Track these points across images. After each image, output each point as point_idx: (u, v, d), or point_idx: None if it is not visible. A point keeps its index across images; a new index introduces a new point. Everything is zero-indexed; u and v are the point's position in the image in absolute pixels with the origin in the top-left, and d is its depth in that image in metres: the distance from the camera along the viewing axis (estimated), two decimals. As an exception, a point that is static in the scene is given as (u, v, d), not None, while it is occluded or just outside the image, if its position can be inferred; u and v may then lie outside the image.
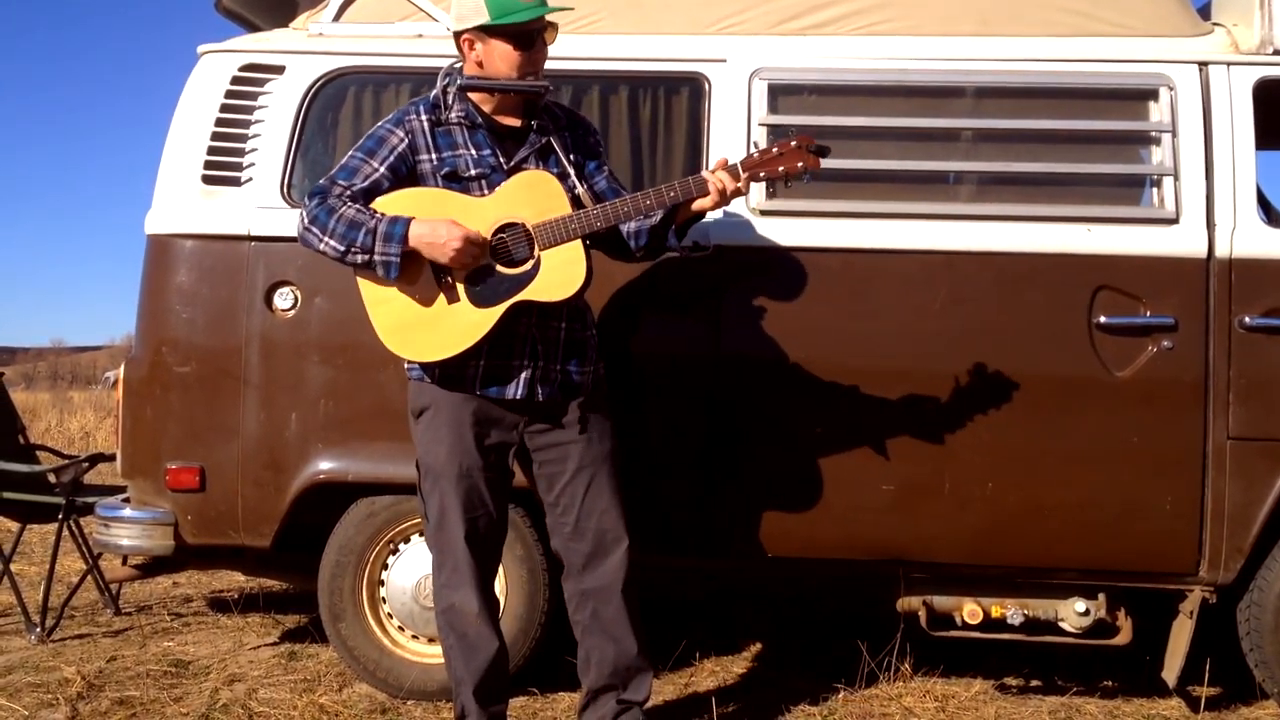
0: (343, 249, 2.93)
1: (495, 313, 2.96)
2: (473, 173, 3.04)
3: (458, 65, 3.15)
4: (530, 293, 2.96)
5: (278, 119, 3.72)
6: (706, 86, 3.68)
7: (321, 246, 2.96)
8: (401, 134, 3.06)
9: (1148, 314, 3.49)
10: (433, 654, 3.73)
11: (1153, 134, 3.60)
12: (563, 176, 3.06)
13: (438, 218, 2.92)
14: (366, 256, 2.92)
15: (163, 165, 3.76)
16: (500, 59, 3.04)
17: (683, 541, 3.64)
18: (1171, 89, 3.56)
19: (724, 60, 3.68)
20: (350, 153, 3.08)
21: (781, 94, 3.69)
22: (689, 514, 3.62)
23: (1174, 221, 3.52)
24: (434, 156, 3.06)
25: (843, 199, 3.58)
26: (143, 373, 3.74)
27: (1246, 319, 3.46)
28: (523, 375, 3.04)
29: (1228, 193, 3.51)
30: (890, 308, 3.57)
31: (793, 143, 2.99)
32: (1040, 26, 3.68)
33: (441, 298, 2.97)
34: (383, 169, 3.03)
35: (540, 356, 3.05)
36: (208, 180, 3.71)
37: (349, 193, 2.98)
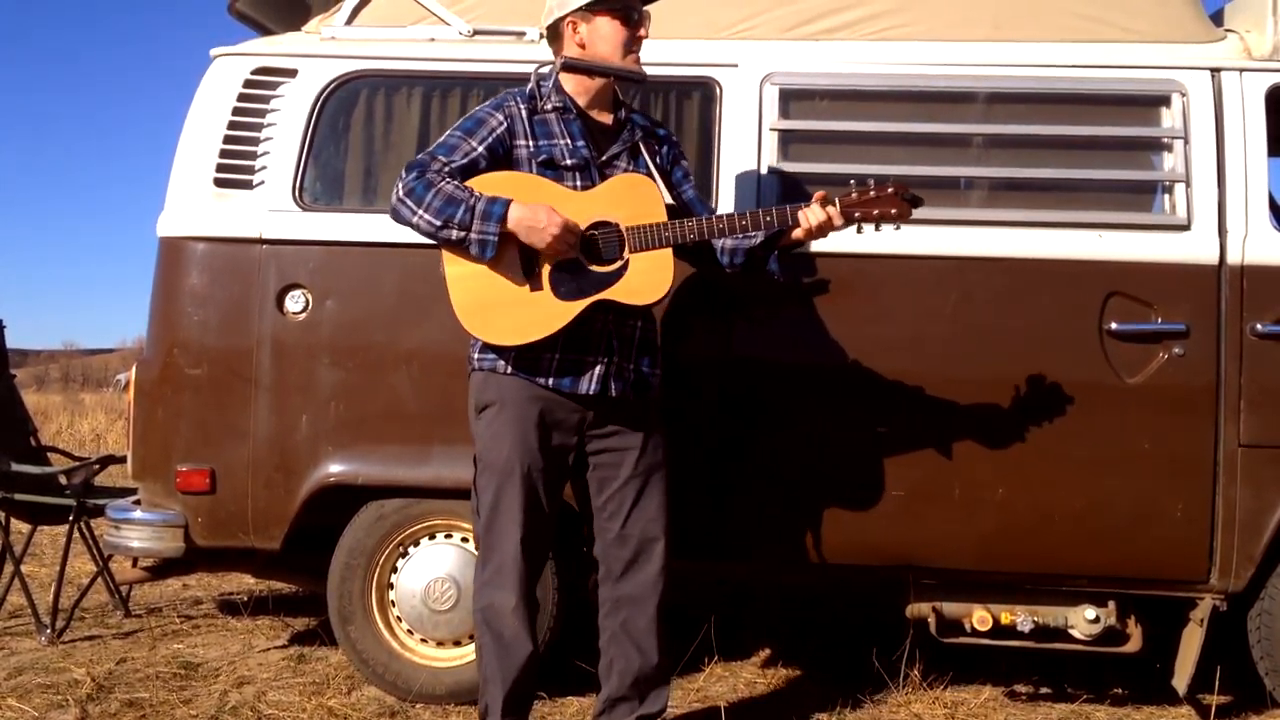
0: (438, 223, 2.90)
1: (576, 307, 2.96)
2: (569, 162, 3.06)
3: (545, 68, 3.18)
4: (614, 293, 2.98)
5: (290, 122, 3.73)
6: (718, 91, 3.68)
7: (415, 220, 2.92)
8: (501, 117, 3.07)
9: (1159, 320, 3.49)
10: (441, 657, 3.74)
11: (1165, 140, 3.60)
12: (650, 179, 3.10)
13: (537, 202, 2.92)
14: (463, 234, 2.89)
15: (175, 167, 3.77)
16: (603, 38, 3.07)
17: (692, 545, 3.63)
18: (1184, 95, 3.56)
19: (735, 65, 3.68)
20: (449, 131, 3.08)
21: (793, 99, 3.69)
22: (698, 517, 3.62)
23: (1186, 228, 3.51)
24: (531, 143, 3.06)
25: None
26: (154, 375, 3.74)
27: (1258, 326, 3.45)
28: (596, 370, 3.04)
29: (1240, 199, 3.50)
30: (901, 313, 3.57)
31: (889, 188, 3.01)
32: (1052, 32, 3.67)
33: (525, 284, 2.96)
34: (481, 148, 3.02)
35: (615, 353, 3.06)
36: (220, 183, 3.72)
37: (447, 169, 2.97)
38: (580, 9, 3.06)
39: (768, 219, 3.02)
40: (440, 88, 3.78)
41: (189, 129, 3.78)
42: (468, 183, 2.95)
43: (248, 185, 3.71)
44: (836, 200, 3.03)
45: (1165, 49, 3.62)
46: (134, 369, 3.81)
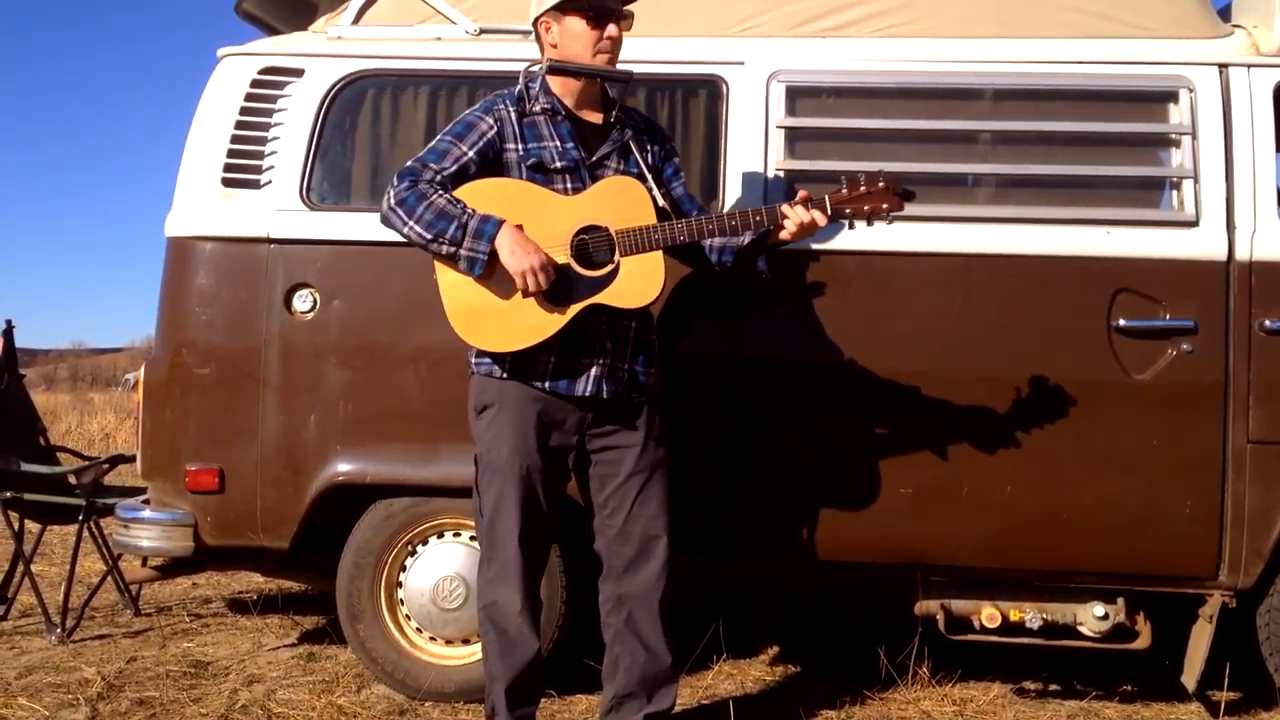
0: (429, 236, 2.91)
1: (569, 312, 2.97)
2: (558, 165, 3.06)
3: (535, 66, 3.17)
4: (606, 297, 2.98)
5: (297, 122, 3.73)
6: (724, 89, 3.68)
7: (405, 230, 2.94)
8: (491, 121, 3.07)
9: (1167, 317, 3.48)
10: (450, 655, 3.74)
11: (1172, 136, 3.59)
12: (640, 178, 3.10)
13: (528, 236, 2.92)
14: (454, 249, 2.91)
15: (183, 168, 3.78)
16: (573, 38, 3.07)
17: (701, 543, 3.64)
18: (1191, 91, 3.55)
19: (742, 62, 3.68)
20: (439, 135, 3.09)
21: (799, 96, 3.68)
22: (707, 515, 3.62)
23: (1194, 224, 3.51)
24: (520, 147, 3.07)
25: (860, 201, 3.57)
26: (162, 374, 3.75)
27: (1266, 322, 3.44)
28: (592, 372, 3.05)
29: (1248, 195, 3.49)
30: (908, 311, 3.56)
31: (880, 183, 3.00)
32: (1059, 28, 3.67)
33: (517, 291, 2.96)
34: (471, 153, 3.03)
35: (610, 355, 3.07)
36: (227, 183, 3.72)
37: (439, 177, 2.98)
38: (551, 9, 3.07)
39: (757, 219, 3.02)
40: (447, 87, 3.78)
41: (196, 129, 3.78)
42: (457, 191, 2.97)
43: (255, 185, 3.72)
44: (826, 198, 3.02)
45: (1173, 45, 3.62)
46: (143, 368, 3.82)
